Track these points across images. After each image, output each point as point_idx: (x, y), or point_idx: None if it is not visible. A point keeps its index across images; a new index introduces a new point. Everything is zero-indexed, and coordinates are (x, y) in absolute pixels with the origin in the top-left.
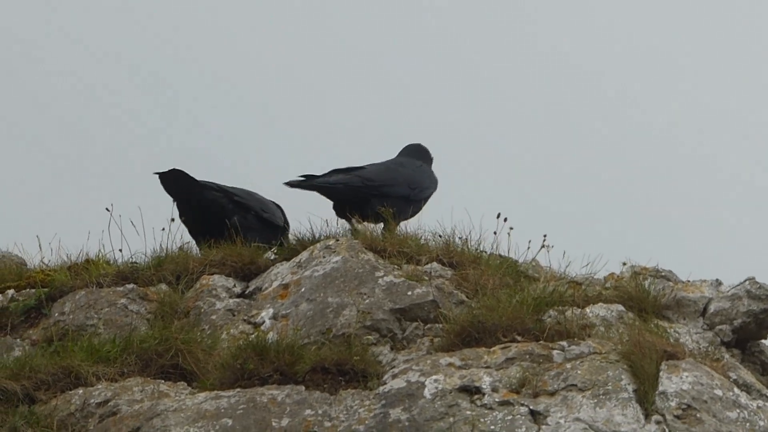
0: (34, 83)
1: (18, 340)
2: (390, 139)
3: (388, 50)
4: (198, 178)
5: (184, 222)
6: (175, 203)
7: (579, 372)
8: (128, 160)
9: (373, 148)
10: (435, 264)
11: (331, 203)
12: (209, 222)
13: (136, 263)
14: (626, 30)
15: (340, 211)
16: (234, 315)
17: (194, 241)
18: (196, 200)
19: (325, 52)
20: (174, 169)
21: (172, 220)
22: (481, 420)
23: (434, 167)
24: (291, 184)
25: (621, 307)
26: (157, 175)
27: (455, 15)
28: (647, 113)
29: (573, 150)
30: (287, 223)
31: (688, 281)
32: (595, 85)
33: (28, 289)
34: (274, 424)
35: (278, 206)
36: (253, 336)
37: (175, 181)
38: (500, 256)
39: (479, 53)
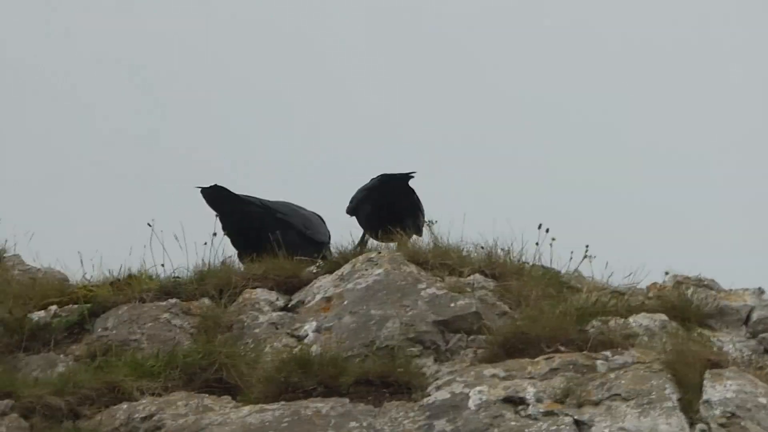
0: (75, 98)
1: (61, 355)
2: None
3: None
4: (239, 194)
5: (227, 235)
6: (218, 217)
7: (623, 382)
8: (170, 175)
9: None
10: (477, 275)
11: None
12: (251, 237)
13: (179, 278)
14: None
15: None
16: (277, 328)
17: (237, 255)
18: (238, 215)
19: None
20: (215, 185)
21: (215, 234)
22: (526, 430)
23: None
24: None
25: (664, 317)
26: (199, 190)
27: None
28: (685, 119)
29: (614, 161)
30: (329, 237)
31: (731, 290)
32: (632, 94)
33: (70, 305)
34: None
35: (322, 219)
36: (296, 349)
37: (216, 197)
38: (543, 266)
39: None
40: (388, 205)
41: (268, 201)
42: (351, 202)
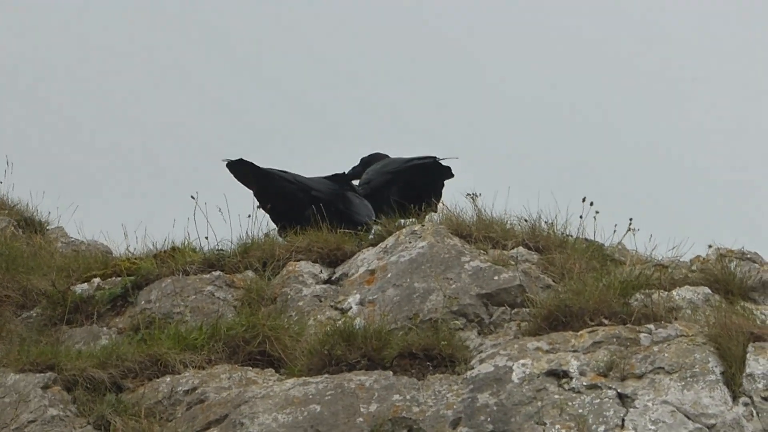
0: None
1: (104, 328)
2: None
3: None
4: (269, 168)
5: (264, 210)
6: (253, 194)
7: (666, 355)
8: (213, 147)
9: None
10: (521, 248)
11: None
12: (285, 211)
13: (223, 250)
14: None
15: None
16: (321, 301)
17: (277, 231)
18: (270, 190)
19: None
20: (241, 159)
21: (258, 206)
22: (569, 404)
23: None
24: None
25: (707, 290)
26: (225, 164)
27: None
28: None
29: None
30: (371, 218)
31: None
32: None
33: (114, 278)
34: (362, 409)
35: (366, 202)
36: (340, 322)
37: (243, 171)
38: (586, 240)
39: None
40: (417, 187)
41: (304, 177)
42: (367, 183)
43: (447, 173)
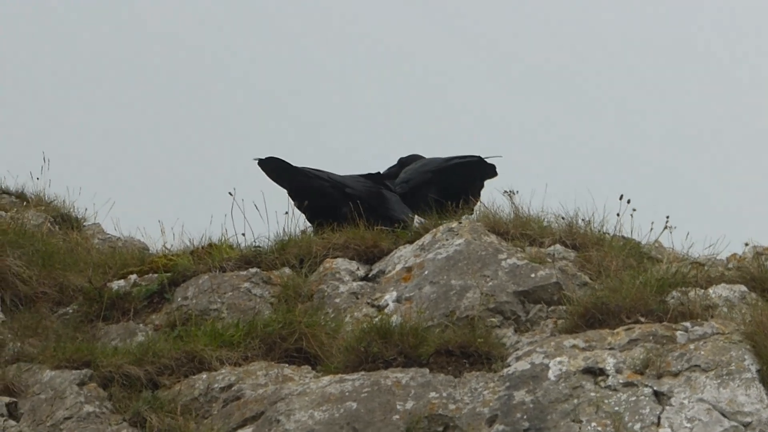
0: (154, 66)
1: (141, 325)
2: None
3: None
4: (301, 166)
5: (298, 209)
6: (287, 193)
7: (702, 353)
8: (251, 143)
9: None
10: (558, 246)
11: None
12: (320, 209)
13: (259, 247)
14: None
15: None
16: (357, 298)
17: (313, 231)
18: (303, 187)
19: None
20: (271, 157)
21: (294, 204)
22: (606, 401)
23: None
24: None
25: (744, 288)
26: (256, 162)
27: None
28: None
29: (698, 131)
30: (407, 215)
31: None
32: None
33: (150, 274)
34: (398, 406)
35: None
36: (376, 319)
37: (275, 169)
38: (623, 237)
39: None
40: (457, 186)
41: (337, 175)
42: (405, 182)
43: (490, 172)
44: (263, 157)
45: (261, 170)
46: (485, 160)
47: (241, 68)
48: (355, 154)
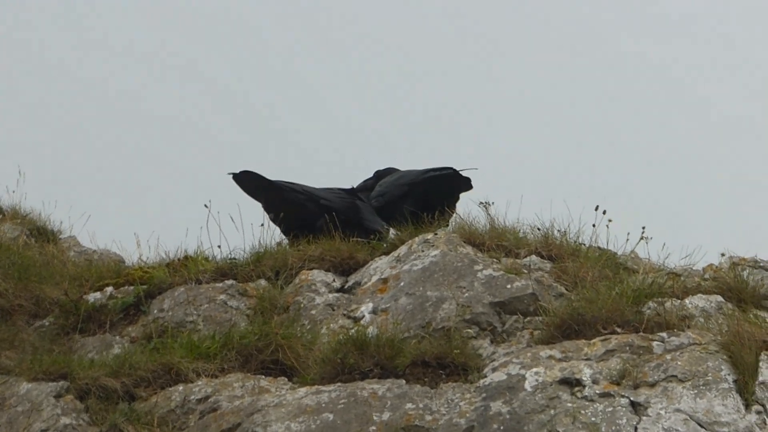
0: (126, 76)
1: (117, 337)
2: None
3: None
4: (275, 180)
5: (273, 222)
6: (262, 206)
7: (679, 363)
8: (226, 156)
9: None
10: (534, 257)
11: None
12: (295, 221)
13: (235, 259)
14: None
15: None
16: (333, 310)
17: (288, 243)
18: (278, 200)
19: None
20: (245, 171)
21: (269, 218)
22: (582, 412)
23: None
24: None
25: (720, 298)
26: (231, 177)
27: None
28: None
29: (672, 141)
30: (382, 225)
31: None
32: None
33: (126, 287)
34: (375, 418)
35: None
36: (353, 330)
37: (249, 183)
38: (599, 248)
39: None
40: (432, 198)
41: (312, 188)
42: (381, 195)
43: (465, 185)
44: (237, 172)
45: (236, 184)
46: (460, 173)
47: (217, 79)
48: (334, 165)
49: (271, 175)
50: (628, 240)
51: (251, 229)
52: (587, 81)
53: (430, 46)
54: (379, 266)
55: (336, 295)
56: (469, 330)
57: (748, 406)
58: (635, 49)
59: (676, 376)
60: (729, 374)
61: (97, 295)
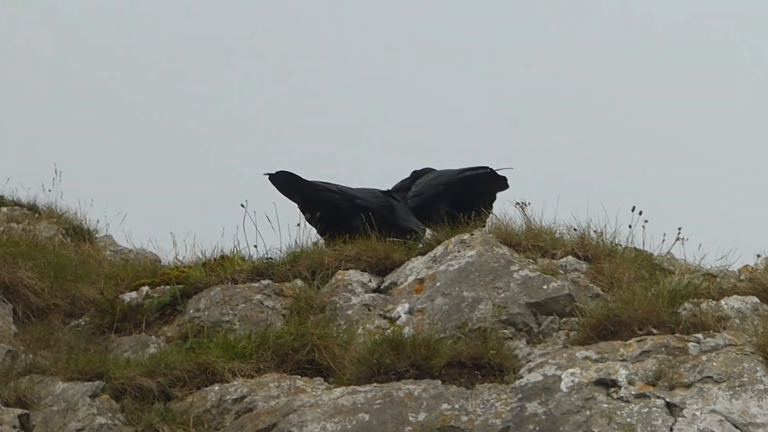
0: (165, 77)
1: (153, 337)
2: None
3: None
4: (311, 180)
5: (309, 222)
6: (298, 206)
7: (714, 364)
8: (262, 156)
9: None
10: (570, 257)
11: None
12: (331, 221)
13: (271, 259)
14: None
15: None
16: (370, 310)
17: (323, 240)
18: (314, 200)
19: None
20: (282, 171)
21: (305, 218)
22: (618, 413)
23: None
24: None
25: (756, 299)
26: (267, 177)
27: None
28: None
29: (709, 143)
30: (417, 224)
31: None
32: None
33: (162, 286)
34: (410, 418)
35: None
36: (389, 331)
37: (285, 183)
38: (635, 249)
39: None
40: (468, 198)
41: (347, 187)
42: (417, 195)
43: (501, 184)
44: (273, 172)
45: (272, 185)
46: (496, 172)
47: (253, 78)
48: (368, 167)
49: (306, 176)
50: (664, 241)
51: (287, 228)
52: (625, 81)
53: (470, 43)
54: (416, 266)
55: (372, 295)
56: (505, 330)
57: None
58: (675, 51)
59: (711, 377)
60: (765, 375)
61: (133, 294)
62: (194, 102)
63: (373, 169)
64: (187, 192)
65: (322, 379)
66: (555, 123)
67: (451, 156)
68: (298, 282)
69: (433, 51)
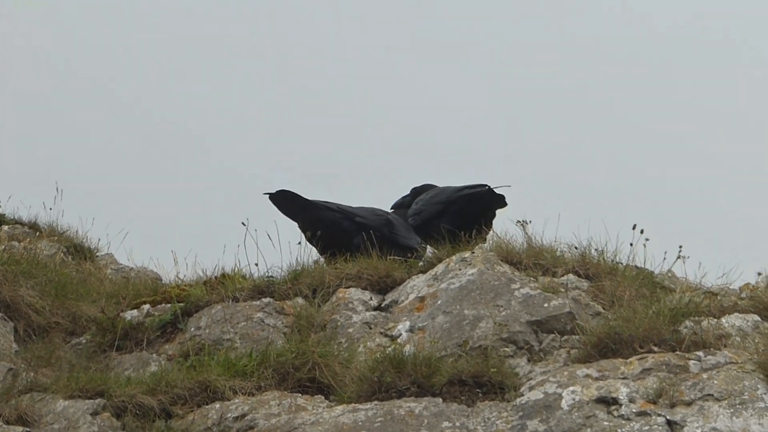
0: (164, 95)
1: (154, 355)
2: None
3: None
4: (312, 199)
5: (308, 241)
6: (298, 225)
7: (715, 382)
8: (262, 156)
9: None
10: (571, 276)
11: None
12: (332, 240)
13: (272, 277)
14: None
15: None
16: (371, 328)
17: (324, 259)
18: (315, 219)
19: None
20: (282, 190)
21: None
22: (619, 430)
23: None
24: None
25: (756, 317)
26: (267, 197)
27: None
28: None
29: (709, 161)
30: (418, 242)
31: None
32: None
33: (163, 304)
34: None
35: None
36: (390, 349)
37: (285, 202)
38: (636, 267)
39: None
40: (468, 216)
41: (347, 206)
42: (417, 213)
43: (500, 202)
44: (274, 191)
45: (272, 204)
46: (494, 190)
47: (253, 78)
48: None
49: (307, 195)
50: (665, 259)
51: (288, 247)
52: (625, 81)
53: (470, 43)
54: (417, 284)
55: (373, 313)
56: (506, 348)
57: None
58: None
59: (712, 395)
60: (765, 393)
61: (134, 312)
62: (194, 102)
63: (373, 169)
64: (187, 192)
65: (323, 397)
66: (555, 123)
67: (451, 156)
68: (299, 300)
69: (433, 51)
